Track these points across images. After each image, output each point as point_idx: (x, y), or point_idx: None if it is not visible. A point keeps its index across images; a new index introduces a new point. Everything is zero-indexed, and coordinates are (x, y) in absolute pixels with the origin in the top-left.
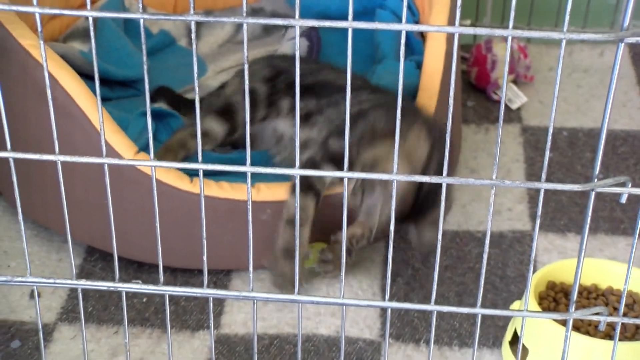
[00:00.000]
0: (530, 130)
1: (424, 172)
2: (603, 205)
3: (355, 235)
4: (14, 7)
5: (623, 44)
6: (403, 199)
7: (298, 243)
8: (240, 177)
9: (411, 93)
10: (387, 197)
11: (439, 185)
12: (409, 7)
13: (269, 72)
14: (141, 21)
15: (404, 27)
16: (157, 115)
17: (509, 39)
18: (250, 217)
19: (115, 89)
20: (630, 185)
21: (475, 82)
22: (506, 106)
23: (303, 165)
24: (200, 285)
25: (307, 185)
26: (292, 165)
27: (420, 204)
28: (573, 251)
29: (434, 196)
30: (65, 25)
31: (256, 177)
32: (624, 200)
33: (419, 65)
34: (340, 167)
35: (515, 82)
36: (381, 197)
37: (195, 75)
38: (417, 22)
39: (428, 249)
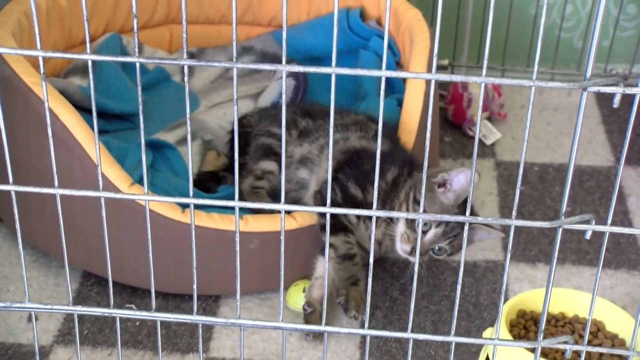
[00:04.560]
0: (504, 164)
1: None
2: (571, 237)
3: (318, 298)
4: (20, 51)
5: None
6: None
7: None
8: (230, 209)
9: (392, 128)
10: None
11: None
12: (391, 48)
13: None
14: (137, 64)
15: (384, 73)
16: (154, 146)
17: (482, 85)
18: (238, 248)
19: (113, 122)
20: (594, 222)
21: (452, 119)
22: (481, 142)
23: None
24: (190, 311)
25: (339, 226)
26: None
27: None
28: (543, 280)
29: None
30: (67, 61)
31: (244, 209)
32: (588, 236)
33: (399, 103)
34: (360, 207)
35: (489, 119)
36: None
37: (188, 114)
38: (397, 62)
39: None
